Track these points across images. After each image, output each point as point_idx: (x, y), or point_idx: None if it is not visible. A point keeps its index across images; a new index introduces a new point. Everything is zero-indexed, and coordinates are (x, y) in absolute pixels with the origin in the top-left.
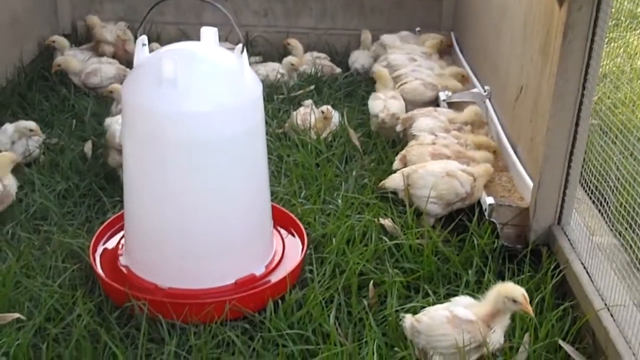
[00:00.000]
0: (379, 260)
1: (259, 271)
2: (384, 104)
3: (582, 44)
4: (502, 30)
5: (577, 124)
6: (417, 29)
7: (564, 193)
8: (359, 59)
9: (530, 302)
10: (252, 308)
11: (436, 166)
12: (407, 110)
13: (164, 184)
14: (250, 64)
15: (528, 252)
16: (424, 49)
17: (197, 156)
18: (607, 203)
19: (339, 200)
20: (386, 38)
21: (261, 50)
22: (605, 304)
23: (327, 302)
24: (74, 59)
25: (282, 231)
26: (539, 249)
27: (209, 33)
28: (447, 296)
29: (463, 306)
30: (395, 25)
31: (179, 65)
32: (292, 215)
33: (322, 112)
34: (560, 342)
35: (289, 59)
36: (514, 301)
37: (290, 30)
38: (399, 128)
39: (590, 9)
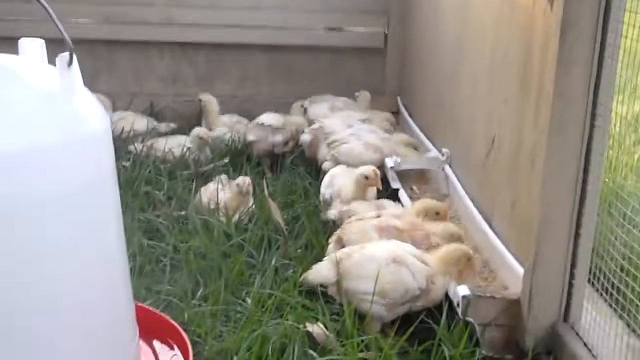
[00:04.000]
0: None
1: None
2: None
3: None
4: (460, 75)
5: (585, 170)
6: (356, 94)
7: (572, 275)
8: None
9: None
10: None
11: (379, 248)
12: None
13: None
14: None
15: None
16: (364, 115)
17: None
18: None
19: (249, 300)
20: (313, 109)
21: (169, 123)
22: None
23: None
24: None
25: (158, 345)
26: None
27: (30, 45)
28: None
29: None
30: (330, 91)
31: None
32: (173, 322)
33: (237, 186)
34: None
35: (196, 131)
36: None
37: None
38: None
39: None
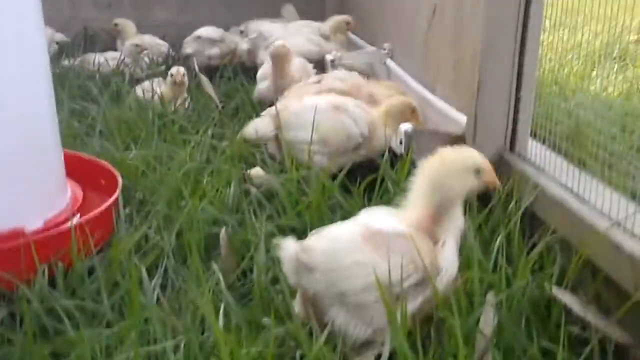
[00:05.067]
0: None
1: (33, 225)
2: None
3: None
4: None
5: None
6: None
7: (517, 101)
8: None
9: (488, 249)
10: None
11: (318, 99)
12: None
13: None
14: None
15: None
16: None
17: None
18: None
19: (182, 153)
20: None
21: (103, 47)
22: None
23: (152, 267)
24: None
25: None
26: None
27: None
28: None
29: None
30: (270, 15)
31: None
32: (103, 162)
33: (172, 76)
34: (555, 290)
35: (132, 40)
36: (477, 171)
37: (141, 24)
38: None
39: None
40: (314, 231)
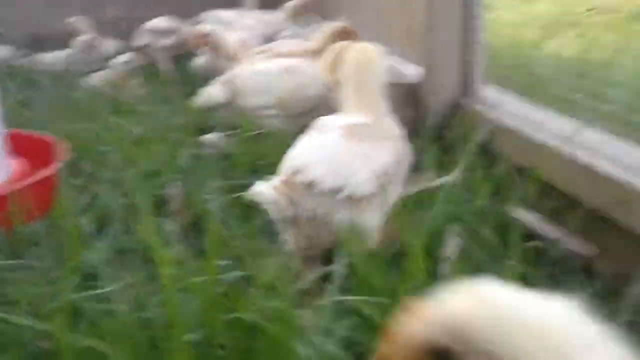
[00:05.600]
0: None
1: None
2: None
3: None
4: None
5: None
6: None
7: (467, 43)
8: None
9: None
10: None
11: (270, 63)
12: None
13: None
14: None
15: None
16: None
17: None
18: None
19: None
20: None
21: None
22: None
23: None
24: None
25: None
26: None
27: None
28: None
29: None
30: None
31: None
32: (49, 138)
33: (125, 63)
34: (515, 210)
35: (82, 37)
36: None
37: (93, 21)
38: None
39: None
40: (286, 158)
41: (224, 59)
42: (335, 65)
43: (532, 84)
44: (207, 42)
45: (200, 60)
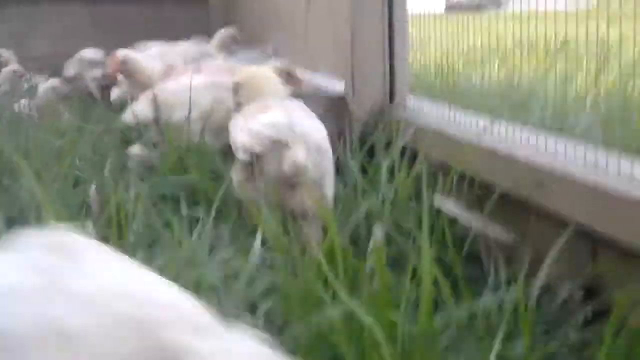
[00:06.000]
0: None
1: None
2: None
3: None
4: None
5: None
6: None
7: (391, 50)
8: None
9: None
10: None
11: (195, 78)
12: None
13: None
14: None
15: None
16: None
17: None
18: None
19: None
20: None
21: None
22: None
23: None
24: None
25: None
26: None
27: None
28: None
29: None
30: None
31: None
32: None
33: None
34: (436, 198)
35: (9, 68)
36: None
37: (19, 55)
38: None
39: None
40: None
41: (140, 86)
42: (237, 89)
43: (454, 93)
44: (124, 69)
45: (116, 92)
